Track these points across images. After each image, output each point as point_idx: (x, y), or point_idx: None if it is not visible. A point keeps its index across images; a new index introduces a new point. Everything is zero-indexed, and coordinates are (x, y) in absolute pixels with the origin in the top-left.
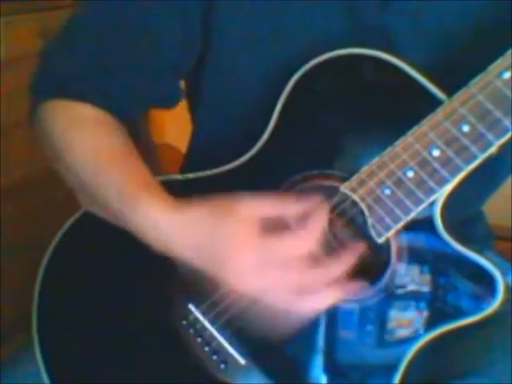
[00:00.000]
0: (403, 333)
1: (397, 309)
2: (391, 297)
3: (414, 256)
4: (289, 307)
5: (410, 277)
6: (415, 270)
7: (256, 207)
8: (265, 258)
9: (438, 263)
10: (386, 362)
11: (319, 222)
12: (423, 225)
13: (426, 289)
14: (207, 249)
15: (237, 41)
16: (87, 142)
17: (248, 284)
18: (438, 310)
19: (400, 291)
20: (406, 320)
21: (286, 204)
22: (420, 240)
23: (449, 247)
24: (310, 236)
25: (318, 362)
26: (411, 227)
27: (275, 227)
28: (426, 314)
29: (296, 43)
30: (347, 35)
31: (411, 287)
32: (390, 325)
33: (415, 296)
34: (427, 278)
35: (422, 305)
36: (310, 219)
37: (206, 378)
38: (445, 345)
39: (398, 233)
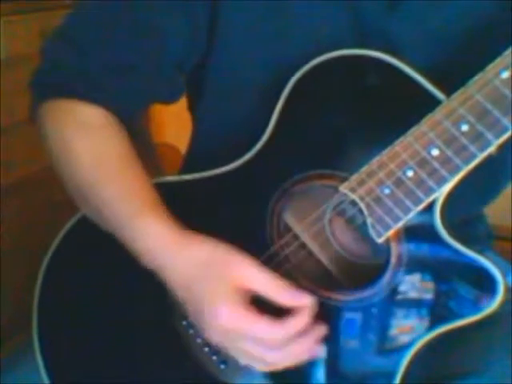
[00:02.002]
0: (404, 339)
1: (398, 316)
2: (393, 304)
3: (415, 262)
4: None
5: (410, 284)
6: (416, 276)
7: (253, 277)
8: (236, 327)
9: (438, 268)
10: (387, 367)
11: (297, 325)
12: (423, 224)
13: (427, 296)
14: (194, 293)
15: (240, 41)
16: (87, 148)
17: (214, 338)
18: (440, 315)
19: (401, 298)
20: (407, 327)
21: (279, 290)
22: (420, 242)
23: (449, 248)
24: (283, 333)
25: (320, 371)
26: (411, 226)
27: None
28: (427, 320)
29: (299, 44)
30: (351, 37)
31: (412, 294)
32: (392, 332)
33: (417, 303)
34: (429, 284)
35: (424, 312)
36: (290, 320)
37: (205, 379)
38: (445, 345)
39: (398, 233)
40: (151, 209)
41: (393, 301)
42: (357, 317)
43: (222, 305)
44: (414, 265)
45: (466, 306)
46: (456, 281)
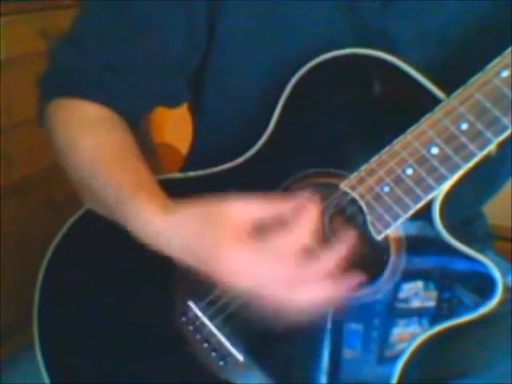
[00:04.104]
0: (403, 345)
1: (400, 325)
2: (395, 314)
3: (414, 261)
4: (283, 300)
5: (414, 293)
6: (419, 284)
7: (245, 209)
8: (257, 254)
9: (439, 271)
10: (385, 370)
11: (310, 216)
12: (422, 223)
13: (430, 304)
14: (198, 249)
15: (240, 41)
16: (88, 140)
17: (241, 280)
18: (440, 320)
19: (404, 308)
20: (407, 334)
21: (274, 204)
22: (419, 241)
23: (448, 247)
24: (302, 231)
25: (322, 379)
26: (410, 225)
27: (271, 227)
28: (427, 326)
29: (298, 44)
30: (349, 36)
31: (415, 304)
32: (392, 340)
33: (419, 311)
34: (432, 293)
35: (425, 319)
36: (301, 215)
37: (205, 375)
38: (443, 344)
39: (397, 232)
40: (146, 188)
41: (395, 310)
42: (359, 327)
43: (230, 242)
44: (414, 265)
45: (466, 311)
46: (458, 287)
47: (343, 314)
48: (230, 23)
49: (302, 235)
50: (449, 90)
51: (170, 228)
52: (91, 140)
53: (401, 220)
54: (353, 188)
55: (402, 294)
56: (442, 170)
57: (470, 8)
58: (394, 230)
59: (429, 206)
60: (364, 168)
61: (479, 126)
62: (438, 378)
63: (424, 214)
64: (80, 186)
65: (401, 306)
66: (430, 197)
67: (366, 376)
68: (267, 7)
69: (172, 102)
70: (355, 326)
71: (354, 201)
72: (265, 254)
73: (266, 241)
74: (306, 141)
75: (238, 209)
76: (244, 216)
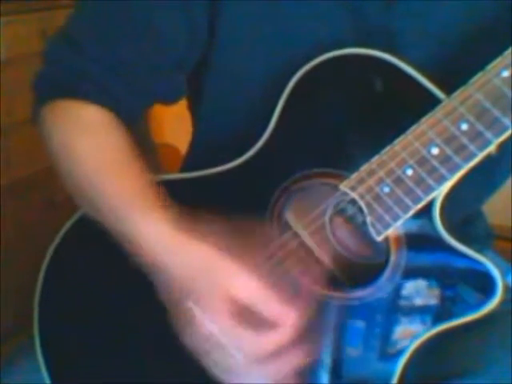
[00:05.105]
0: (405, 343)
1: (402, 323)
2: (397, 312)
3: (414, 261)
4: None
5: (415, 291)
6: (421, 283)
7: (241, 289)
8: (217, 337)
9: (439, 270)
10: (386, 369)
11: (280, 340)
12: (422, 224)
13: (432, 302)
14: (184, 296)
15: (241, 40)
16: (88, 146)
17: (193, 343)
18: (442, 319)
19: (406, 305)
20: (409, 332)
21: (266, 302)
22: (419, 241)
23: (448, 247)
24: (266, 346)
25: (323, 376)
26: (410, 225)
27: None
28: (429, 324)
29: (300, 45)
30: (351, 37)
31: (418, 302)
32: (394, 337)
33: (421, 309)
34: (434, 291)
35: (428, 317)
36: (275, 333)
37: (205, 376)
38: (442, 344)
39: (397, 232)
40: (151, 207)
41: (397, 308)
42: (361, 325)
43: (207, 312)
44: (415, 264)
45: (469, 310)
46: (461, 286)
47: (345, 312)
48: (231, 22)
49: (265, 348)
50: (451, 89)
51: (173, 258)
52: (91, 144)
53: (401, 221)
54: (353, 188)
55: (404, 292)
56: (443, 170)
57: (472, 8)
58: (394, 229)
59: (429, 206)
60: (364, 168)
61: (479, 127)
62: (437, 377)
63: (424, 213)
64: (74, 189)
65: (403, 303)
66: (430, 197)
67: (368, 374)
68: (268, 6)
69: (170, 100)
70: (357, 324)
71: (354, 201)
72: (229, 344)
73: (238, 329)
74: (306, 141)
75: (236, 282)
76: (237, 292)
